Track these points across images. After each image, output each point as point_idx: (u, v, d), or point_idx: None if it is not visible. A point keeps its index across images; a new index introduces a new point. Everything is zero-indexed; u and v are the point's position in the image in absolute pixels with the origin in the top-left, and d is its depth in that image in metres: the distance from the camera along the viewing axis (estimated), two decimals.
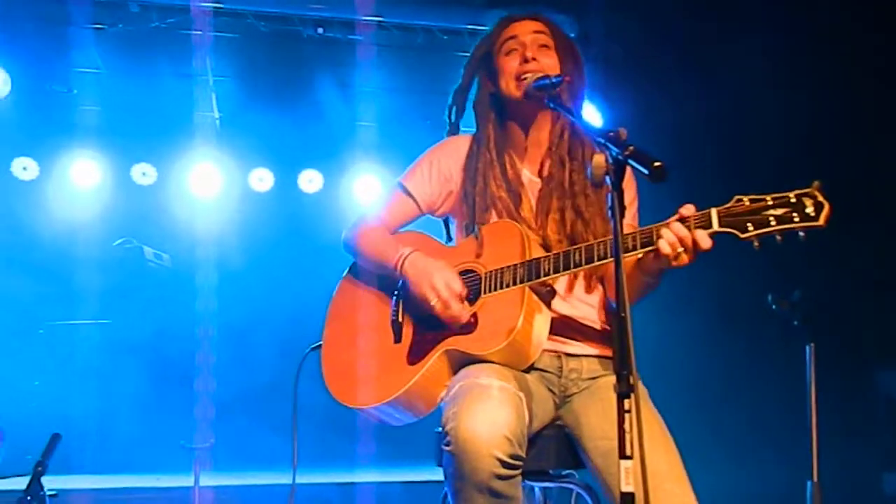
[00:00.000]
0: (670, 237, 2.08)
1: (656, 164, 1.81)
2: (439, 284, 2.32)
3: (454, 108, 2.65)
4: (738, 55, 5.14)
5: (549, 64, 2.48)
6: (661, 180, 1.81)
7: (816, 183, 2.01)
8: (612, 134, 1.90)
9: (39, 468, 3.06)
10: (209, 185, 6.77)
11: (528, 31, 2.52)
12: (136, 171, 6.86)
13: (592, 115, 5.58)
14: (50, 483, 3.20)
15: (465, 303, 2.35)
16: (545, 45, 2.51)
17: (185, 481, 4.70)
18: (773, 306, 3.66)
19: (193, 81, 6.43)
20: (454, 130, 2.67)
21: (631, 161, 1.83)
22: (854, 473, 4.59)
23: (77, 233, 6.60)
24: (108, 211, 6.75)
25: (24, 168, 6.59)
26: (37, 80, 6.29)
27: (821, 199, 1.99)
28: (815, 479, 3.59)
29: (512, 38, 2.52)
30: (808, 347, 3.67)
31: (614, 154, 1.85)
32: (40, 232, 6.53)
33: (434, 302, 2.32)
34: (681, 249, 2.08)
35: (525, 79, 2.44)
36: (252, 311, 6.56)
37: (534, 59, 2.46)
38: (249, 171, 7.04)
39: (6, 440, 3.29)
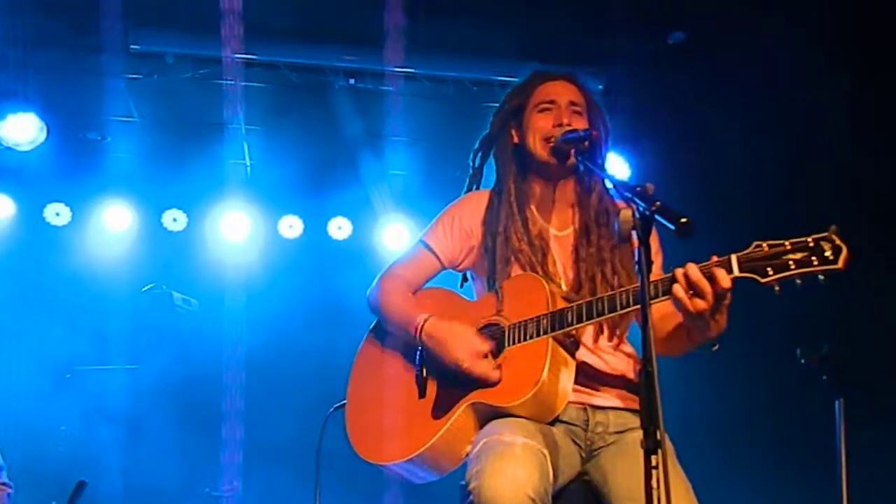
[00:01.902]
0: (682, 279, 2.08)
1: (682, 219, 1.82)
2: (461, 354, 2.32)
3: (479, 154, 2.68)
4: (761, 108, 5.18)
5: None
6: (687, 236, 1.82)
7: (833, 227, 2.02)
8: (638, 189, 1.92)
9: None
10: (239, 232, 6.84)
11: (565, 97, 2.54)
12: (167, 217, 6.95)
13: (619, 166, 5.62)
14: None
15: (490, 358, 2.35)
16: (579, 114, 2.54)
17: None
18: (802, 360, 3.62)
19: (225, 130, 6.54)
20: (477, 175, 2.69)
21: (658, 216, 1.85)
22: None
23: (107, 277, 6.68)
24: (139, 256, 6.82)
25: (56, 214, 6.70)
26: (72, 128, 6.41)
27: (838, 242, 2.00)
28: None
29: (549, 101, 2.54)
30: (837, 403, 3.61)
31: (641, 209, 1.87)
32: (71, 277, 6.62)
33: (463, 367, 2.32)
34: (699, 299, 2.06)
35: (552, 141, 2.48)
36: (280, 358, 6.58)
37: (568, 124, 2.49)
38: (279, 218, 7.11)
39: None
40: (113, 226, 6.75)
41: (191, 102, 6.31)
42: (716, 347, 2.21)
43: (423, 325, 2.41)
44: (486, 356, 2.33)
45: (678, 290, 2.09)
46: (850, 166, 5.00)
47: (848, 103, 4.88)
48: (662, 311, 2.36)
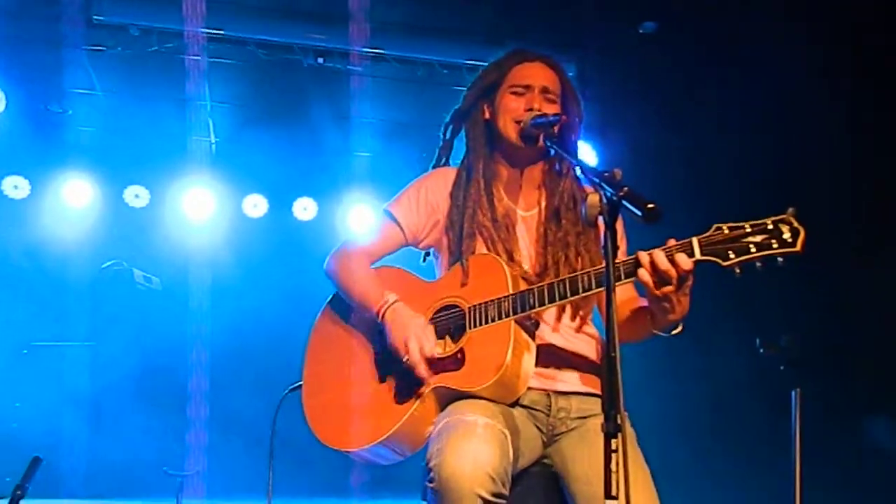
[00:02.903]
0: (647, 264, 2.10)
1: (650, 205, 1.82)
2: (412, 345, 2.30)
3: (451, 127, 2.66)
4: (728, 98, 5.23)
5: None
6: (654, 222, 1.82)
7: (791, 209, 2.06)
8: (606, 174, 1.92)
9: (18, 492, 3.01)
10: (202, 210, 6.76)
11: (539, 82, 2.53)
12: (129, 193, 6.85)
13: (588, 153, 5.65)
14: None
15: (441, 350, 2.34)
16: (552, 101, 2.53)
17: None
18: (761, 350, 3.67)
19: (190, 106, 6.44)
20: (447, 149, 2.67)
21: (625, 202, 1.85)
22: None
23: (67, 253, 6.57)
24: (99, 232, 6.72)
25: (15, 187, 6.57)
26: (33, 99, 6.29)
27: (796, 224, 2.04)
28: None
29: (524, 85, 2.53)
30: (794, 393, 3.66)
31: (608, 195, 1.87)
32: (29, 251, 6.50)
33: (404, 360, 2.32)
34: (664, 283, 2.09)
35: (522, 124, 2.47)
36: (243, 338, 6.52)
37: (539, 110, 2.47)
38: (244, 196, 7.04)
39: None
40: (73, 200, 6.64)
41: (155, 77, 6.20)
42: (677, 330, 2.22)
43: (388, 307, 2.39)
44: (429, 362, 2.31)
45: (644, 274, 2.10)
46: (825, 153, 5.05)
47: (826, 86, 4.92)
48: (623, 297, 2.38)
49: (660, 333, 2.26)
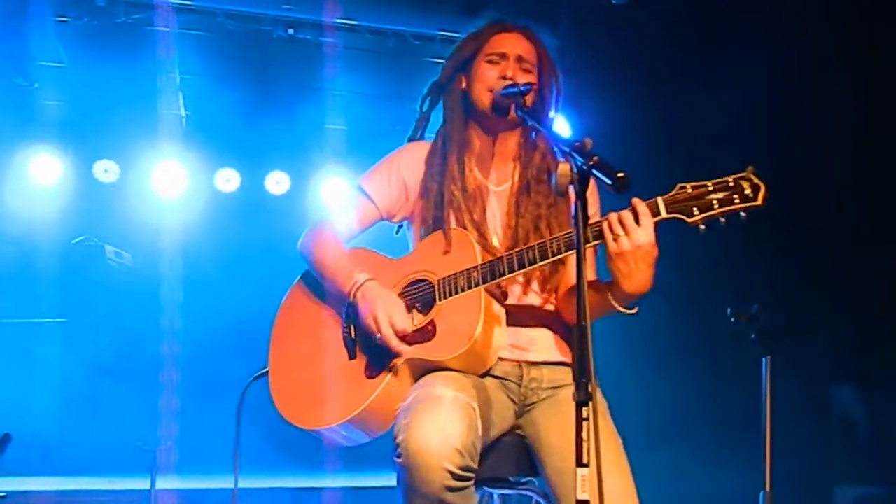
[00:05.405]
0: (614, 220, 2.14)
1: (619, 174, 1.84)
2: (382, 320, 2.29)
3: (428, 99, 2.64)
4: (706, 74, 5.24)
5: None
6: (623, 191, 1.84)
7: (751, 167, 2.14)
8: (577, 144, 1.92)
9: None
10: (174, 184, 6.69)
11: (515, 51, 2.51)
12: (99, 167, 6.76)
13: (562, 125, 5.63)
14: None
15: (412, 323, 2.34)
16: (528, 71, 2.51)
17: (143, 484, 4.64)
18: (732, 319, 3.71)
19: (160, 78, 6.35)
20: (424, 120, 2.65)
21: (595, 171, 1.85)
22: (806, 486, 4.65)
23: (35, 230, 6.48)
24: (69, 208, 6.63)
25: None
26: None
27: (756, 181, 2.12)
28: (768, 489, 3.63)
29: (500, 54, 2.51)
30: (764, 360, 3.71)
31: (579, 164, 1.87)
32: None
33: (376, 336, 2.31)
34: (621, 232, 2.12)
35: (493, 92, 2.46)
36: (215, 313, 6.49)
37: (512, 79, 2.45)
38: (216, 170, 6.97)
39: None
40: (41, 176, 6.55)
41: (123, 48, 6.11)
42: (634, 310, 2.23)
43: (359, 287, 2.37)
44: (401, 336, 2.31)
45: (606, 230, 2.14)
46: (799, 118, 5.07)
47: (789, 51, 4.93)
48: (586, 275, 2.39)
49: (618, 309, 2.24)
